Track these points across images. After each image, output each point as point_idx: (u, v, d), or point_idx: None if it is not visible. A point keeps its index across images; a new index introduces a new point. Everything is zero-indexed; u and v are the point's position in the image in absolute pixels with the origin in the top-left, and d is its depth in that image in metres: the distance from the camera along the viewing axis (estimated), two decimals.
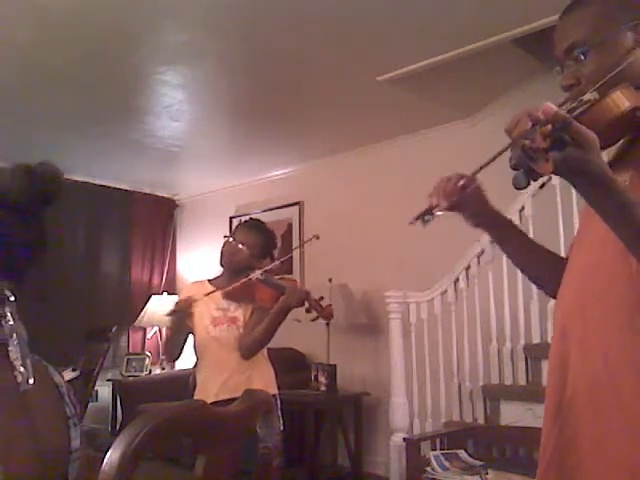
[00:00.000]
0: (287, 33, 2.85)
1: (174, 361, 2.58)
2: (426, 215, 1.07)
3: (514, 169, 0.79)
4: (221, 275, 2.53)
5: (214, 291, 2.39)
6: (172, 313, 2.40)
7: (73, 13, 2.63)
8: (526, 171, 0.77)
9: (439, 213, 1.06)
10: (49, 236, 0.93)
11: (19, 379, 0.82)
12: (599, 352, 0.93)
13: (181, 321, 2.41)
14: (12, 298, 0.87)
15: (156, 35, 2.91)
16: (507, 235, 1.19)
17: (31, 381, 0.83)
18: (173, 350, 2.51)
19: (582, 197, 0.86)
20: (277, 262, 2.54)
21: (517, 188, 0.80)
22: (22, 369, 0.83)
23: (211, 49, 3.04)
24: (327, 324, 4.02)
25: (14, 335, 0.85)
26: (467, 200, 1.08)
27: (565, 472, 0.95)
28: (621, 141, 1.00)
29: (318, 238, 2.62)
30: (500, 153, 0.97)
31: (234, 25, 2.79)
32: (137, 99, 3.63)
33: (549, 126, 0.76)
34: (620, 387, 0.89)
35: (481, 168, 1.05)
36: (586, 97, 0.91)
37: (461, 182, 1.06)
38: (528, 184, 0.79)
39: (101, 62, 3.11)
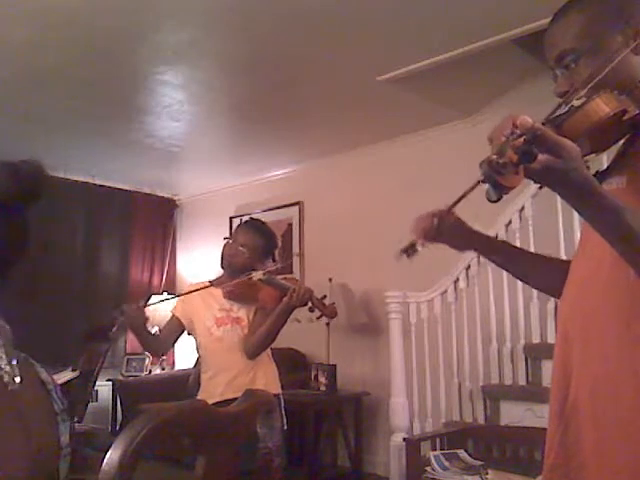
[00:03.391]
0: (287, 33, 2.85)
1: (162, 355, 2.59)
2: (409, 250, 1.16)
3: (483, 182, 0.79)
4: (222, 276, 2.52)
5: (208, 286, 2.42)
6: (122, 322, 2.35)
7: (73, 13, 2.63)
8: (494, 185, 0.77)
9: (420, 248, 1.15)
10: (32, 234, 0.94)
11: (5, 379, 0.82)
12: (599, 358, 0.93)
13: (137, 324, 2.37)
14: None
15: (156, 35, 2.90)
16: (496, 255, 1.24)
17: (17, 380, 0.83)
18: (152, 348, 2.54)
19: (568, 205, 0.86)
20: (278, 266, 2.53)
21: (490, 201, 0.80)
22: (8, 368, 0.83)
23: (211, 49, 3.04)
24: (327, 324, 4.03)
25: None
26: (446, 232, 1.15)
27: (569, 474, 0.95)
28: (621, 143, 1.00)
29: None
30: (474, 187, 0.98)
31: (234, 25, 2.79)
32: (137, 99, 3.63)
33: (521, 139, 0.76)
34: (619, 392, 0.89)
35: (456, 202, 1.09)
36: (575, 103, 0.91)
37: (435, 220, 1.14)
38: (500, 197, 0.79)
39: (101, 62, 3.11)
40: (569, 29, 1.02)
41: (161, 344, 2.53)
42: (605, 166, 1.01)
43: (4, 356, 0.84)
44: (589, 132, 0.88)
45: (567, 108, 0.91)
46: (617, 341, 0.91)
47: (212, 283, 2.51)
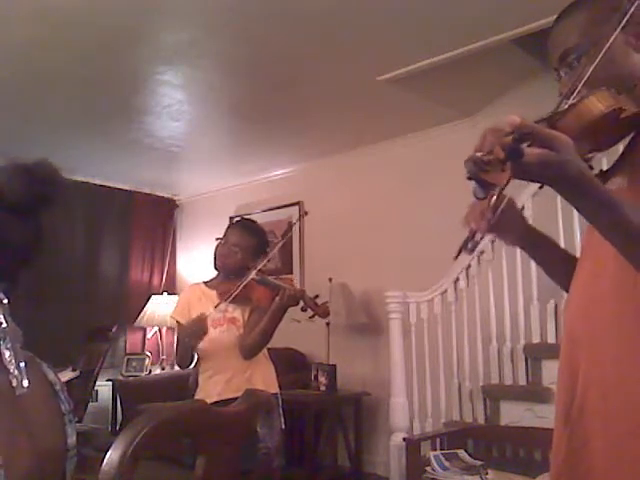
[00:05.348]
0: (287, 33, 2.85)
1: (187, 366, 2.54)
2: (468, 243, 1.02)
3: (469, 179, 0.78)
4: (216, 277, 2.54)
5: (219, 303, 2.37)
6: (193, 333, 2.37)
7: (73, 13, 2.63)
8: (479, 182, 0.77)
9: (480, 238, 1.05)
10: (46, 237, 0.92)
11: (14, 383, 0.82)
12: (608, 357, 0.92)
13: (201, 334, 2.40)
14: (5, 301, 0.86)
15: (156, 35, 2.91)
16: (541, 251, 1.18)
17: (25, 383, 0.83)
18: (188, 357, 2.48)
19: (567, 202, 0.84)
20: (270, 255, 2.54)
21: (477, 198, 0.80)
22: (16, 372, 0.82)
23: (211, 49, 3.04)
24: (327, 324, 4.03)
25: (7, 338, 0.84)
26: (503, 218, 1.06)
27: (577, 476, 0.94)
28: (622, 143, 0.99)
29: (307, 214, 2.64)
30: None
31: (234, 25, 2.79)
32: (137, 99, 3.63)
33: (509, 137, 0.76)
34: (630, 391, 0.88)
35: (507, 183, 1.03)
36: (572, 101, 0.91)
37: (492, 200, 1.06)
38: (486, 195, 0.79)
39: (101, 62, 3.11)
40: (573, 28, 1.02)
41: (190, 355, 2.48)
42: (605, 167, 1.00)
43: (13, 360, 0.83)
44: (583, 130, 0.88)
45: (566, 107, 0.91)
46: (626, 340, 0.90)
47: (207, 284, 2.53)
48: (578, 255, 1.09)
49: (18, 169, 0.87)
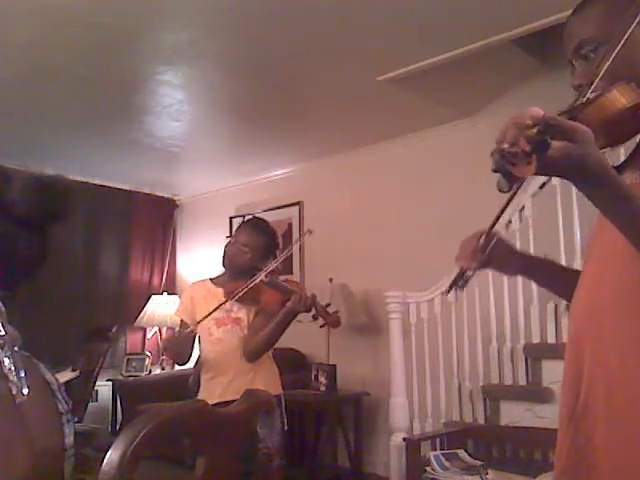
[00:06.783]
0: (287, 33, 2.85)
1: (184, 364, 2.54)
2: (460, 281, 1.09)
3: (495, 172, 0.77)
4: (223, 274, 2.51)
5: (224, 302, 2.35)
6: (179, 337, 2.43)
7: (73, 13, 2.63)
8: (505, 175, 0.76)
9: (470, 275, 1.08)
10: (50, 250, 0.92)
11: (14, 391, 0.82)
12: (613, 356, 0.92)
13: (191, 339, 2.43)
14: (3, 309, 0.85)
15: (156, 35, 2.91)
16: (541, 274, 1.20)
17: (25, 391, 0.82)
18: (183, 356, 2.48)
19: (584, 195, 0.84)
20: (278, 262, 2.52)
21: (501, 191, 0.79)
22: (16, 380, 0.82)
23: (211, 49, 3.04)
24: None
25: (6, 346, 0.84)
26: (493, 255, 1.10)
27: (581, 472, 0.94)
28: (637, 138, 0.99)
29: (311, 233, 2.61)
30: (510, 200, 0.97)
31: (234, 25, 2.79)
32: (137, 99, 3.63)
33: (534, 129, 0.75)
34: (635, 390, 0.88)
35: (496, 220, 1.05)
36: (592, 95, 0.90)
37: (481, 240, 1.08)
38: (511, 188, 0.78)
39: (101, 62, 3.11)
40: (590, 19, 1.00)
41: (185, 354, 2.49)
42: (620, 161, 0.99)
43: (13, 368, 0.83)
44: (604, 124, 0.87)
45: (584, 100, 0.90)
46: (632, 339, 0.90)
47: (213, 281, 2.51)
48: (579, 259, 1.09)
49: (33, 181, 0.86)
